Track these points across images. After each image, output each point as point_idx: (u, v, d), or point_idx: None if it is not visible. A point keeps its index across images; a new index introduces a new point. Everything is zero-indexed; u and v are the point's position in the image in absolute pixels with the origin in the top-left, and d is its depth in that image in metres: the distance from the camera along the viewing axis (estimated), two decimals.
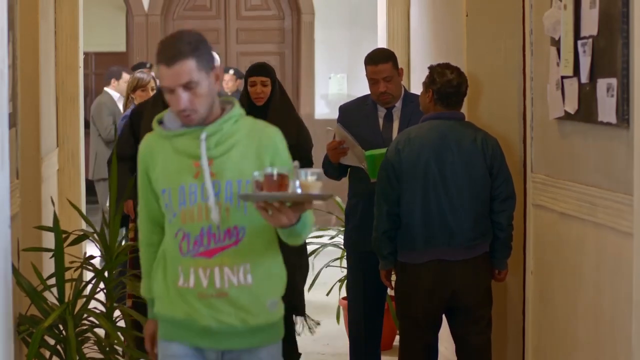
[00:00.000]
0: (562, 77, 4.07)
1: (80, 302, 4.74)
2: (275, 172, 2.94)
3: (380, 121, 5.18)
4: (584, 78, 3.83)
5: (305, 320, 5.83)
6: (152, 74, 7.56)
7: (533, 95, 4.57)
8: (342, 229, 5.78)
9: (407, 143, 4.57)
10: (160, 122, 3.24)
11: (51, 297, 4.75)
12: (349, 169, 5.24)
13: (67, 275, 4.76)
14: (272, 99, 5.58)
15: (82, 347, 4.60)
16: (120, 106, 9.30)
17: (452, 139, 4.56)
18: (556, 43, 4.14)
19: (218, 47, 11.12)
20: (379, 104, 5.18)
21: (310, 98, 11.51)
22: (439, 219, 4.51)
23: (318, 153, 5.58)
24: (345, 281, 5.61)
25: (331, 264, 6.78)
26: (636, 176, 3.38)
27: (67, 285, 4.74)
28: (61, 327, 4.56)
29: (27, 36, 5.07)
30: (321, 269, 6.63)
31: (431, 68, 4.69)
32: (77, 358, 4.52)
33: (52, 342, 4.60)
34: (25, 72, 4.93)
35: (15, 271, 4.26)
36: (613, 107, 3.57)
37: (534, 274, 4.60)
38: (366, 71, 5.16)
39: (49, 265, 5.14)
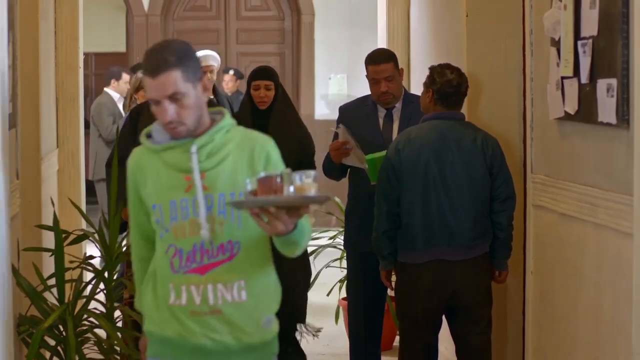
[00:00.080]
0: (562, 78, 4.07)
1: (80, 303, 4.74)
2: (268, 175, 2.86)
3: (381, 121, 5.19)
4: (584, 78, 3.83)
5: (306, 328, 5.81)
6: None
7: (533, 96, 4.56)
8: (342, 229, 5.77)
9: (407, 143, 4.57)
10: (149, 136, 3.13)
11: (51, 297, 4.75)
12: (349, 170, 5.24)
13: (67, 275, 4.76)
14: (275, 103, 5.53)
15: (82, 348, 4.60)
16: (120, 107, 9.31)
17: (452, 139, 4.56)
18: (556, 43, 4.14)
19: (218, 47, 11.12)
20: (380, 104, 5.18)
21: (310, 98, 11.52)
22: (439, 219, 4.51)
23: (318, 153, 5.59)
24: (345, 281, 5.61)
25: (331, 265, 6.78)
26: (636, 176, 3.38)
27: (67, 286, 4.74)
28: (61, 328, 4.56)
29: (27, 36, 5.07)
30: (321, 269, 6.63)
31: (432, 68, 4.70)
32: (77, 358, 4.52)
33: (52, 342, 4.60)
34: (25, 72, 4.93)
35: (15, 272, 4.26)
36: (613, 107, 3.57)
37: (534, 274, 4.60)
38: (367, 71, 5.15)
39: (48, 266, 5.14)
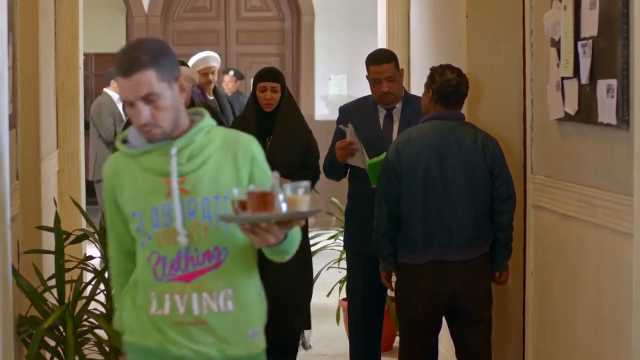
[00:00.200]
0: (562, 78, 4.07)
1: (80, 303, 4.74)
2: (259, 190, 2.74)
3: (381, 122, 5.19)
4: (584, 79, 3.83)
5: (302, 336, 5.79)
6: None
7: (533, 96, 4.56)
8: (342, 229, 5.77)
9: (407, 144, 4.57)
10: (125, 141, 2.99)
11: (51, 298, 4.75)
12: (349, 170, 5.24)
13: (67, 276, 4.76)
14: (281, 105, 5.47)
15: (82, 349, 4.61)
16: (120, 107, 9.31)
17: (452, 139, 4.56)
18: (556, 44, 4.14)
19: (218, 48, 11.12)
20: (381, 104, 5.18)
21: (310, 99, 11.52)
22: (439, 220, 4.51)
23: (319, 155, 5.59)
24: (345, 282, 5.61)
25: (331, 266, 6.78)
26: (636, 177, 3.38)
27: (67, 287, 4.74)
28: (61, 328, 4.57)
29: (27, 37, 5.07)
30: (321, 270, 6.63)
31: (432, 69, 4.71)
32: (77, 359, 4.52)
33: (52, 343, 4.60)
34: (25, 73, 4.93)
35: (15, 272, 4.26)
36: (613, 108, 3.57)
37: (534, 274, 4.60)
38: (368, 72, 5.16)
39: (48, 266, 5.14)
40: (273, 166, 5.23)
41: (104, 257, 4.84)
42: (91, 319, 4.66)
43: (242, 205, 2.76)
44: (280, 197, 2.75)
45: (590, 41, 3.77)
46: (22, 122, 4.72)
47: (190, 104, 5.66)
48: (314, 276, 5.74)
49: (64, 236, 4.70)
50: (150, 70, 2.81)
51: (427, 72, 4.75)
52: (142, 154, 2.92)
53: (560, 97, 4.10)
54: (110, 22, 13.25)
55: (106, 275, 4.75)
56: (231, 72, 10.25)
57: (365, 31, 10.95)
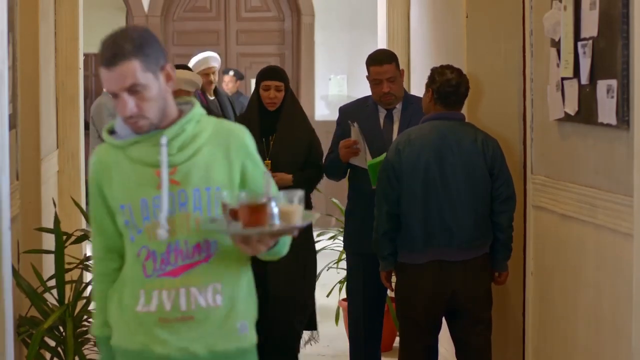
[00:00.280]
0: (562, 79, 4.07)
1: (80, 304, 4.74)
2: (251, 202, 2.65)
3: (381, 122, 5.19)
4: (584, 79, 3.83)
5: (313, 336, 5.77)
6: None
7: (533, 97, 4.57)
8: (342, 230, 5.77)
9: (407, 144, 4.57)
10: (112, 132, 2.90)
11: (51, 298, 4.75)
12: (349, 170, 5.24)
13: (67, 276, 4.76)
14: (284, 104, 5.40)
15: (82, 349, 4.60)
16: None
17: (452, 139, 4.56)
18: (556, 44, 4.14)
19: (218, 48, 11.12)
20: (381, 105, 5.18)
21: (310, 99, 11.52)
22: (439, 220, 4.51)
23: None
24: (345, 282, 5.60)
25: (331, 266, 6.78)
26: (636, 177, 3.38)
27: (67, 287, 4.74)
28: (61, 329, 4.57)
29: (27, 37, 5.07)
30: (321, 270, 6.63)
31: (433, 69, 4.71)
32: (77, 359, 4.52)
33: (52, 343, 4.60)
34: (25, 73, 4.93)
35: (15, 273, 4.26)
36: (613, 108, 3.57)
37: (534, 275, 4.60)
38: (368, 72, 5.15)
39: (48, 266, 5.14)
40: (276, 165, 5.30)
41: None
42: (91, 319, 4.65)
43: (233, 213, 2.70)
44: (275, 209, 2.68)
45: (590, 41, 3.77)
46: (22, 122, 4.72)
47: None
48: (316, 276, 5.67)
49: (64, 237, 4.70)
50: (134, 60, 2.72)
51: (427, 72, 4.76)
52: (131, 144, 2.85)
53: (560, 98, 4.10)
54: (110, 22, 13.19)
55: None
56: (231, 73, 10.26)
57: (365, 31, 10.96)
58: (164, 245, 2.81)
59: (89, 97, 12.09)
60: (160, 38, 11.44)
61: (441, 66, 4.70)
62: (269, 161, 5.29)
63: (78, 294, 4.68)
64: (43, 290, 4.62)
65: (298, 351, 5.52)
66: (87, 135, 7.40)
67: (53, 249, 4.71)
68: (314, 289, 5.54)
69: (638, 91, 3.38)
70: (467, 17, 5.18)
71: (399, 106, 5.18)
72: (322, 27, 11.59)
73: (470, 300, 4.56)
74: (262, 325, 5.21)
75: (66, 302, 4.60)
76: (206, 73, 7.56)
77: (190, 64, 7.36)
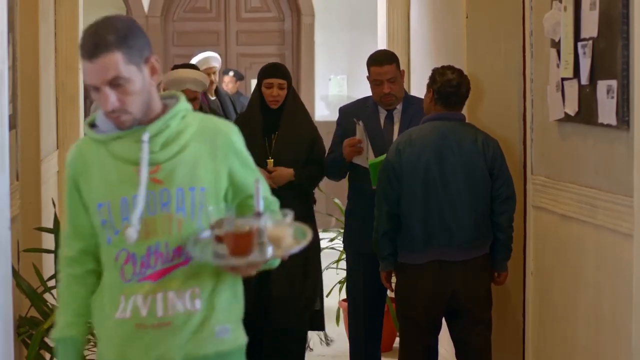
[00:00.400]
0: (562, 79, 4.07)
1: None
2: (237, 230, 2.52)
3: (382, 123, 5.19)
4: (584, 80, 3.83)
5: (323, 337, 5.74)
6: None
7: (533, 97, 4.57)
8: (342, 230, 5.77)
9: (408, 144, 4.58)
10: (93, 125, 2.75)
11: (51, 298, 4.75)
12: (349, 171, 5.24)
13: None
14: (287, 102, 5.34)
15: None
16: None
17: (452, 139, 4.56)
18: (556, 45, 4.14)
19: (218, 48, 11.12)
20: (382, 105, 5.18)
21: (310, 99, 11.51)
22: (439, 220, 4.51)
23: None
24: (345, 283, 5.60)
25: (331, 267, 6.78)
26: (636, 178, 3.38)
27: None
28: None
29: (27, 37, 5.07)
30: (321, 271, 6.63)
31: (434, 69, 4.71)
32: None
33: (52, 343, 4.59)
34: (25, 73, 4.94)
35: (15, 273, 4.26)
36: (613, 108, 3.57)
37: (534, 275, 4.60)
38: (369, 72, 5.15)
39: (48, 266, 5.14)
40: (278, 163, 5.28)
41: None
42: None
43: (219, 239, 2.58)
44: (263, 221, 2.54)
45: (590, 42, 3.77)
46: (22, 122, 4.72)
47: (199, 108, 5.62)
48: (320, 277, 5.57)
49: None
50: (116, 52, 2.58)
51: (428, 73, 4.76)
52: (113, 139, 2.70)
53: (560, 98, 4.10)
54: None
55: None
56: (231, 73, 10.26)
57: (365, 31, 10.96)
58: (144, 247, 2.66)
59: (89, 97, 12.09)
60: (160, 38, 11.49)
61: (442, 67, 4.70)
62: (271, 160, 5.27)
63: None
64: (43, 291, 4.62)
65: (304, 352, 5.48)
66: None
67: (53, 249, 4.71)
68: (319, 287, 5.48)
69: (638, 92, 3.38)
70: (467, 17, 5.18)
71: (399, 107, 5.18)
72: (322, 27, 11.59)
73: (470, 300, 4.57)
74: (265, 327, 5.26)
75: None
76: (207, 73, 7.58)
77: None
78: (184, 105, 2.74)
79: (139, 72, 2.63)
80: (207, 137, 2.72)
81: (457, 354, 4.74)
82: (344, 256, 5.95)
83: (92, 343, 4.67)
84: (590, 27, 3.76)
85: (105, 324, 2.74)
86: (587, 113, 3.84)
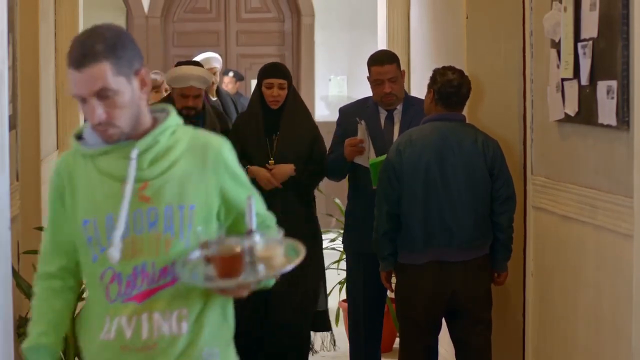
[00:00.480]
0: (562, 79, 4.07)
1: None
2: (225, 253, 2.46)
3: (382, 123, 5.18)
4: (584, 80, 3.83)
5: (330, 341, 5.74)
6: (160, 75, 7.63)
7: (533, 97, 4.57)
8: (342, 231, 5.77)
9: (408, 144, 4.58)
10: (80, 137, 2.65)
11: None
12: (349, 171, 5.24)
13: None
14: (287, 102, 5.31)
15: None
16: None
17: (453, 140, 4.56)
18: (556, 45, 4.14)
19: (218, 49, 11.12)
20: (382, 105, 5.17)
21: (310, 100, 11.50)
22: (439, 220, 4.51)
23: None
24: (345, 283, 5.60)
25: (331, 267, 6.78)
26: (636, 178, 3.38)
27: None
28: None
29: (27, 38, 5.07)
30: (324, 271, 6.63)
31: (435, 70, 4.71)
32: None
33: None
34: (25, 73, 4.94)
35: (15, 273, 4.26)
36: (613, 109, 3.57)
37: (534, 275, 4.60)
38: (370, 72, 5.15)
39: None
40: (280, 163, 5.24)
41: None
42: None
43: (208, 259, 2.51)
44: (255, 241, 2.49)
45: (590, 42, 3.77)
46: (22, 123, 4.73)
47: (202, 107, 5.61)
48: (324, 277, 5.55)
49: None
50: (105, 62, 2.48)
51: (428, 73, 4.76)
52: (100, 154, 2.60)
53: (560, 98, 4.10)
54: (110, 22, 13.25)
55: None
56: (231, 74, 10.25)
57: (365, 31, 10.96)
58: (129, 266, 2.56)
59: None
60: (160, 39, 11.49)
61: (443, 67, 4.71)
62: (273, 160, 5.26)
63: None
64: None
65: (307, 353, 5.46)
66: None
67: None
68: (323, 286, 5.45)
69: (638, 92, 3.38)
70: (467, 17, 5.18)
71: (399, 107, 5.18)
72: (322, 27, 11.59)
73: (470, 301, 4.57)
74: (267, 329, 5.25)
75: None
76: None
77: None
78: (174, 119, 2.64)
79: (128, 84, 2.53)
80: (197, 153, 2.62)
81: (457, 354, 4.74)
82: (344, 257, 5.94)
83: None
84: (590, 27, 3.76)
85: (90, 346, 2.66)
86: (587, 113, 3.84)
